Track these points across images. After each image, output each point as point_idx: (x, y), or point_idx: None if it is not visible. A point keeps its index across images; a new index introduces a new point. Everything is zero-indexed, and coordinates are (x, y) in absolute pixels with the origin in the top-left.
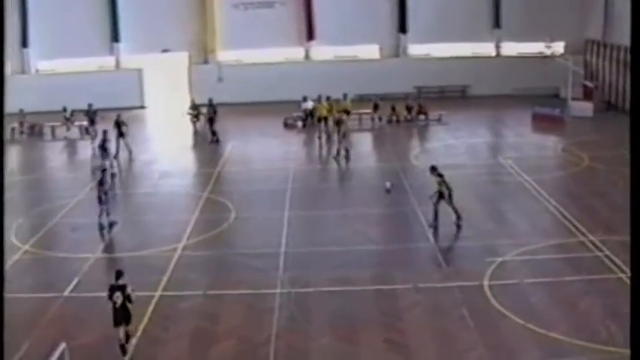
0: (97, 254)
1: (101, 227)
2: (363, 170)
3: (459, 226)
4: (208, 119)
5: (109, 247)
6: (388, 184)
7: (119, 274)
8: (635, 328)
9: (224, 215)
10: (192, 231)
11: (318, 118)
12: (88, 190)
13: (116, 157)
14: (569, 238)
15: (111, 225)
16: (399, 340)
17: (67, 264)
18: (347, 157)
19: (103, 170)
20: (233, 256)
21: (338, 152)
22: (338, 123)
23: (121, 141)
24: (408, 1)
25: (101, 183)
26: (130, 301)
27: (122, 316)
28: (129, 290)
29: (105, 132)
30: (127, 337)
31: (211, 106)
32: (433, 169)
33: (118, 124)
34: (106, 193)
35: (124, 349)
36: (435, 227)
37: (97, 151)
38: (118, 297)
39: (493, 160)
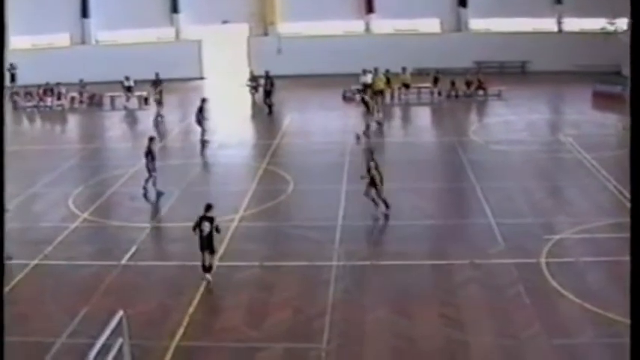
0: (154, 223)
1: (145, 193)
2: (421, 144)
3: (387, 217)
4: (265, 91)
5: (166, 217)
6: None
7: (209, 207)
8: (635, 327)
9: (282, 187)
10: (249, 202)
11: (374, 91)
12: (145, 161)
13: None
14: (627, 217)
15: (158, 194)
16: (454, 316)
17: (125, 233)
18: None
19: (151, 139)
20: (290, 228)
21: (367, 127)
22: (376, 94)
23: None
24: None
25: (149, 152)
26: (217, 231)
27: (207, 244)
28: (217, 222)
29: (203, 100)
30: (210, 266)
31: (268, 78)
32: (370, 152)
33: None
34: (153, 161)
35: (205, 269)
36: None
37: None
38: (207, 226)
39: (552, 137)
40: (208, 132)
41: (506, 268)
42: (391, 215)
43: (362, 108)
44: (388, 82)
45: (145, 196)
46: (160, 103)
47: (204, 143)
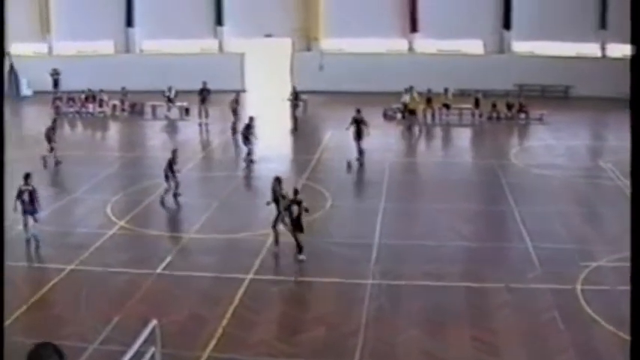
0: (190, 234)
1: (162, 202)
2: (460, 165)
3: (276, 255)
4: (293, 106)
5: (203, 228)
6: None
7: (296, 191)
8: (635, 327)
9: (320, 202)
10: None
11: (409, 110)
12: (185, 171)
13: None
14: None
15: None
16: (488, 339)
17: (161, 242)
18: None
19: (174, 151)
20: (326, 244)
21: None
22: (411, 113)
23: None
24: None
25: (172, 163)
26: (306, 211)
27: (296, 225)
28: (305, 205)
29: (251, 118)
30: (301, 247)
31: (295, 93)
32: (278, 180)
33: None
34: (173, 173)
35: (299, 249)
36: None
37: (241, 138)
38: (295, 209)
39: (593, 163)
40: (255, 151)
41: (541, 293)
42: (428, 235)
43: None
44: (429, 102)
45: (163, 205)
46: (235, 113)
47: (249, 163)
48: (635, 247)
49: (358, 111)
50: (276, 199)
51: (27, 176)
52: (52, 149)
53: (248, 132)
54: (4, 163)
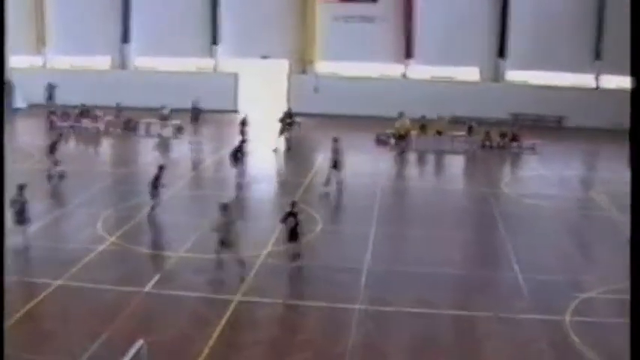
0: (179, 253)
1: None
2: (452, 193)
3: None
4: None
5: (193, 247)
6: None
7: (294, 204)
8: (635, 328)
9: (310, 226)
10: (277, 239)
11: (398, 136)
12: (177, 190)
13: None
14: None
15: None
16: None
17: (151, 259)
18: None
19: (161, 167)
20: (315, 268)
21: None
22: (400, 138)
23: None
24: (508, 26)
25: (157, 178)
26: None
27: (293, 236)
28: (300, 217)
29: (243, 141)
30: (298, 255)
31: (290, 115)
32: (224, 207)
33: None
34: (156, 189)
35: (293, 258)
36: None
37: (230, 159)
38: (292, 221)
39: (585, 194)
40: (243, 174)
41: (530, 324)
42: (418, 262)
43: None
44: (423, 128)
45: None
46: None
47: (239, 184)
48: (635, 260)
49: (335, 140)
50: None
51: (21, 187)
52: (56, 163)
53: (237, 155)
54: (5, 167)
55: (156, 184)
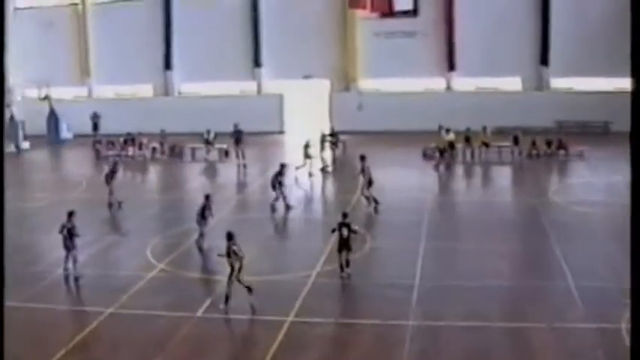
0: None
1: (199, 247)
2: (500, 204)
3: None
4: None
5: (243, 270)
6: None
7: (345, 215)
8: (635, 328)
9: (359, 244)
10: (326, 258)
11: (439, 150)
12: (224, 214)
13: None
14: None
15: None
16: None
17: (201, 285)
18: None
19: (207, 197)
20: (366, 286)
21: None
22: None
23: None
24: (550, 34)
25: (203, 208)
26: (355, 232)
27: (345, 245)
28: (354, 227)
29: (282, 165)
30: (347, 262)
31: (334, 134)
32: (230, 235)
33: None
34: (204, 218)
35: (342, 268)
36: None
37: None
38: (345, 231)
39: None
40: (282, 198)
41: (585, 333)
42: (468, 275)
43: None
44: (468, 140)
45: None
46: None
47: (284, 207)
48: (635, 260)
49: (362, 158)
50: (228, 254)
51: (70, 214)
52: (111, 192)
53: (277, 179)
54: (4, 168)
55: (203, 214)
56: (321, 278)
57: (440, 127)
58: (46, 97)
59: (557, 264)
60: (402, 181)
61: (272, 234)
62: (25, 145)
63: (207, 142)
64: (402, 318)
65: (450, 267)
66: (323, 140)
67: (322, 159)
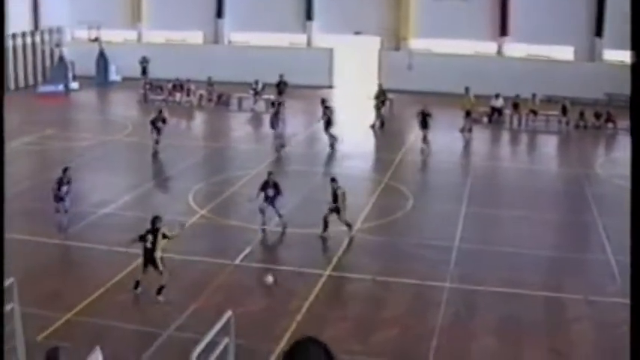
0: (270, 227)
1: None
2: (545, 173)
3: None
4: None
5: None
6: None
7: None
8: (635, 328)
9: (401, 203)
10: (367, 215)
11: (465, 112)
12: (267, 165)
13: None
14: None
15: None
16: (564, 350)
17: (241, 233)
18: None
19: (270, 173)
20: (405, 245)
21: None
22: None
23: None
24: (606, 4)
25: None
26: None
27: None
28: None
29: (279, 104)
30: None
31: (382, 92)
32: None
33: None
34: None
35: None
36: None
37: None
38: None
39: None
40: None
41: (621, 308)
42: (508, 242)
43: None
44: (516, 107)
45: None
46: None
47: (279, 147)
48: (635, 247)
49: (323, 101)
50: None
51: (65, 170)
52: (157, 142)
53: (275, 117)
54: (4, 163)
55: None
56: (361, 234)
57: (466, 89)
58: (96, 39)
59: (598, 237)
60: (447, 143)
61: (315, 187)
62: (74, 85)
63: (255, 93)
64: (439, 279)
65: (490, 232)
66: (378, 97)
67: (377, 115)
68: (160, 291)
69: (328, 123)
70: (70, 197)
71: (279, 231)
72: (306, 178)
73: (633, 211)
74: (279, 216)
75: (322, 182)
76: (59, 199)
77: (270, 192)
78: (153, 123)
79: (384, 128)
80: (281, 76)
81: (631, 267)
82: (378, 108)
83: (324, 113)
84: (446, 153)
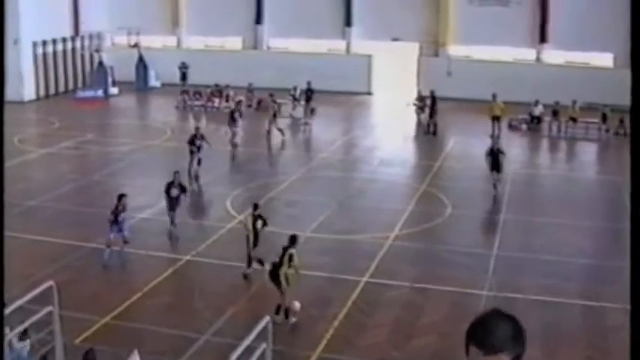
0: (307, 233)
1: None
2: (584, 180)
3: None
4: (430, 111)
5: (320, 227)
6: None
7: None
8: (635, 327)
9: (439, 210)
10: (405, 221)
11: (492, 117)
12: (305, 171)
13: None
14: None
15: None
16: None
17: (278, 239)
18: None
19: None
20: (443, 252)
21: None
22: (493, 119)
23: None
24: None
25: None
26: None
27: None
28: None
29: (238, 102)
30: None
31: (433, 98)
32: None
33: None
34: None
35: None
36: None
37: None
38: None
39: None
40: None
41: None
42: (547, 250)
43: None
44: (555, 114)
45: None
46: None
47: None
48: (635, 260)
49: (271, 95)
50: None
51: (120, 197)
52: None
53: (233, 116)
54: (4, 163)
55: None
56: (399, 241)
57: (494, 96)
58: (136, 45)
59: None
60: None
61: (352, 193)
62: (114, 90)
63: (294, 99)
64: (478, 287)
65: (530, 239)
66: (421, 103)
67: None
68: (278, 311)
69: (274, 116)
70: (128, 225)
71: (315, 236)
72: (344, 183)
73: (633, 211)
74: (172, 222)
75: (360, 189)
76: (116, 225)
77: (175, 192)
78: (192, 142)
79: (422, 134)
80: (308, 82)
81: (631, 267)
82: (430, 115)
83: (272, 107)
84: (484, 160)
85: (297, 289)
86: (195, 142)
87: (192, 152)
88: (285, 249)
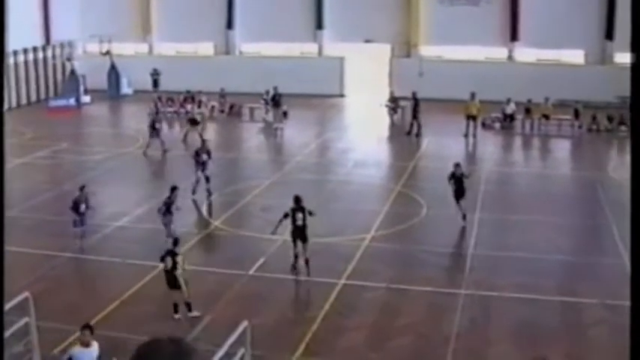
0: (284, 236)
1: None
2: (558, 177)
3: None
4: (413, 112)
5: None
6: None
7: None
8: (635, 327)
9: (415, 210)
10: (381, 222)
11: (466, 116)
12: (280, 174)
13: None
14: None
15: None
16: (580, 356)
17: (254, 243)
18: None
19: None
20: (420, 252)
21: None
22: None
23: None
24: (616, 7)
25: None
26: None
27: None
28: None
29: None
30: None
31: (415, 99)
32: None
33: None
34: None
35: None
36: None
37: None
38: (299, 217)
39: None
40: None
41: None
42: (523, 247)
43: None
44: (528, 111)
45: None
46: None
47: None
48: (635, 260)
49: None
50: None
51: (81, 188)
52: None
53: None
54: (4, 163)
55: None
56: (375, 242)
57: (472, 95)
58: (108, 52)
59: (612, 241)
60: (461, 149)
61: (327, 196)
62: (86, 99)
63: (267, 103)
64: (455, 286)
65: (505, 238)
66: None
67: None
68: (177, 309)
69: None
70: (88, 215)
71: (290, 240)
72: (319, 187)
73: (633, 211)
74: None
75: (334, 191)
76: (79, 216)
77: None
78: (197, 154)
79: (396, 135)
80: (275, 87)
81: (631, 267)
82: (414, 116)
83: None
84: (459, 160)
85: (274, 293)
86: (200, 155)
87: (198, 164)
88: (170, 251)
